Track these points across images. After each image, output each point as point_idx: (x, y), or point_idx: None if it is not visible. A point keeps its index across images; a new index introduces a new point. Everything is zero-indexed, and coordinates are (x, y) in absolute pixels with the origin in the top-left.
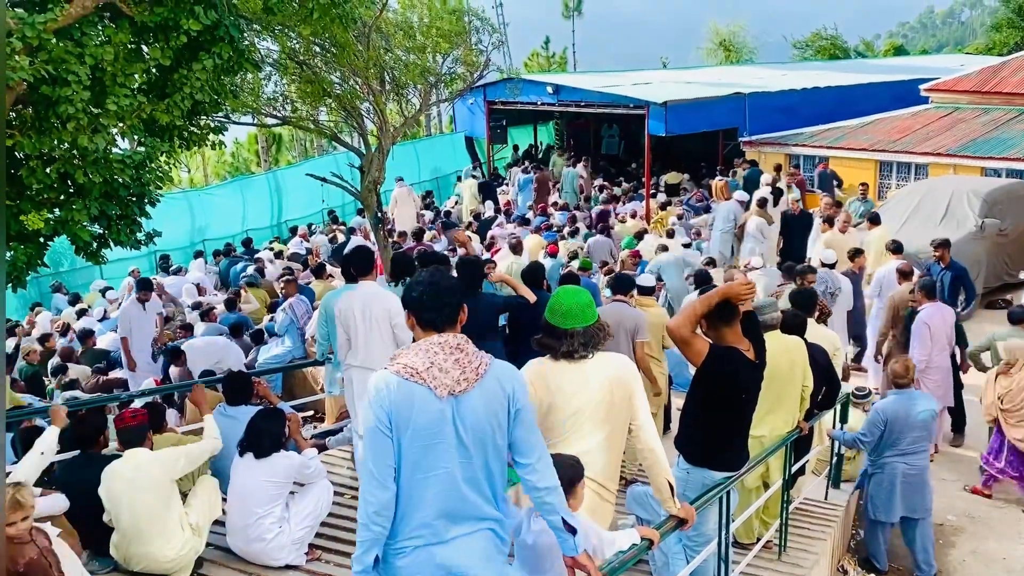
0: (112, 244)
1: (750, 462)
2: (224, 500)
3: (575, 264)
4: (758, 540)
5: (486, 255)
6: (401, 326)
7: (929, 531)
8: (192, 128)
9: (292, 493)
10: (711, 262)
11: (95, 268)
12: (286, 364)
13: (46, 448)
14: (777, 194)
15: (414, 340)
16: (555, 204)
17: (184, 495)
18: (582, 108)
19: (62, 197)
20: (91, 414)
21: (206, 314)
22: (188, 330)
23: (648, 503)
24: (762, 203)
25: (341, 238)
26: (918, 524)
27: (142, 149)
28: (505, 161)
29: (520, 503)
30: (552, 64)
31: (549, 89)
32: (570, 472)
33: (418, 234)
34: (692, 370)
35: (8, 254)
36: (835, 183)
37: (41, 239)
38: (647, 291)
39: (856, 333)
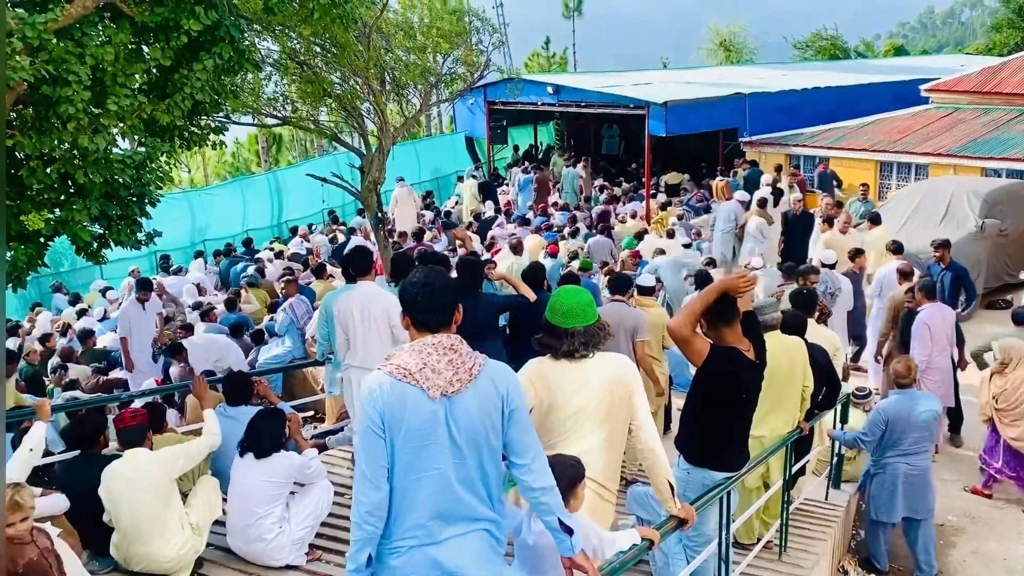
0: (112, 244)
1: (750, 462)
2: (224, 500)
3: (575, 264)
4: (758, 540)
5: (486, 255)
6: (400, 326)
7: (931, 532)
8: (192, 128)
9: (292, 493)
10: (711, 262)
11: (95, 268)
12: (286, 364)
13: (35, 444)
14: (777, 194)
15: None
16: (555, 204)
17: (184, 495)
18: (582, 108)
19: (62, 197)
20: (91, 414)
21: (206, 314)
22: (188, 330)
23: (648, 503)
24: (762, 203)
25: (341, 238)
26: (920, 525)
27: (142, 149)
28: (505, 161)
29: (520, 503)
30: (552, 64)
31: (549, 89)
32: (571, 472)
33: (418, 234)
34: (692, 370)
35: (8, 254)
36: (835, 183)
37: (41, 239)
38: (647, 291)
39: (856, 333)
